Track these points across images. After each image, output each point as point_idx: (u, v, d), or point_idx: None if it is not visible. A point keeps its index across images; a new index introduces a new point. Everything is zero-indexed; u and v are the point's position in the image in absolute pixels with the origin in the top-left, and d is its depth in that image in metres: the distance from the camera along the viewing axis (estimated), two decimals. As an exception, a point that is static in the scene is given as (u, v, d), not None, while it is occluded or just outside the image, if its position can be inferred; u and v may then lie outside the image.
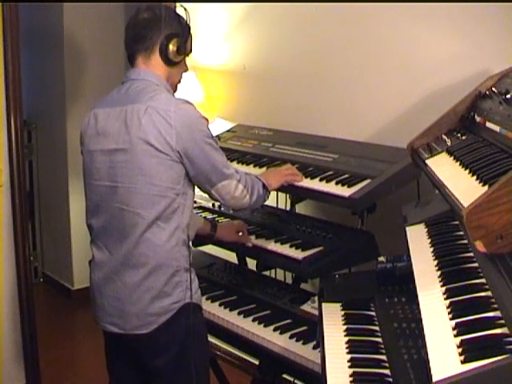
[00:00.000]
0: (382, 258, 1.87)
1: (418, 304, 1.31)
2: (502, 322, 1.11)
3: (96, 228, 1.96)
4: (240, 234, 2.31)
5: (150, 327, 1.86)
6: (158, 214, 1.84)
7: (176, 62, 1.97)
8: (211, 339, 2.29)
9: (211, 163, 1.89)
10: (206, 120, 1.92)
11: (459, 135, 1.79)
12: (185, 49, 1.98)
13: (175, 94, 2.02)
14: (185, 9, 2.04)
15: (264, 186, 2.09)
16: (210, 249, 2.54)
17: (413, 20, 2.39)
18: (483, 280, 1.28)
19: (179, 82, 2.07)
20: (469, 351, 1.06)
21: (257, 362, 2.46)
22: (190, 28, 2.02)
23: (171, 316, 1.87)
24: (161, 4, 2.04)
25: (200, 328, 1.95)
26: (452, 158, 1.63)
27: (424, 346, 1.15)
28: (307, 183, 2.20)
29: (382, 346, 1.57)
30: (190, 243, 2.01)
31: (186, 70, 2.08)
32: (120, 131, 1.87)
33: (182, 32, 1.97)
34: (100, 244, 1.94)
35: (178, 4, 2.07)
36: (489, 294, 1.22)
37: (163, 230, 1.85)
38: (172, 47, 1.94)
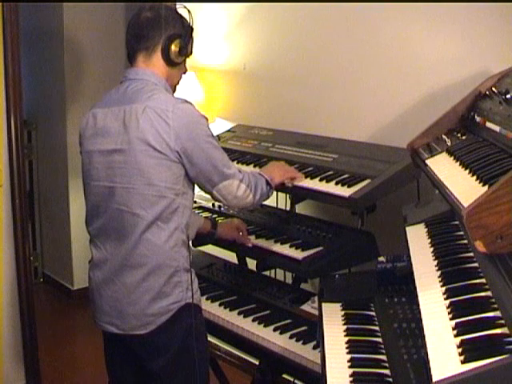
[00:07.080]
0: (381, 258, 1.87)
1: (418, 304, 1.31)
2: (502, 322, 1.11)
3: (95, 229, 1.95)
4: (240, 233, 2.30)
5: (148, 327, 1.86)
6: (157, 215, 1.83)
7: (177, 62, 1.97)
8: (211, 339, 2.29)
9: (211, 163, 1.88)
10: (206, 119, 1.92)
11: (459, 135, 1.78)
12: (186, 50, 1.99)
13: (174, 95, 2.01)
14: (188, 10, 2.03)
15: (267, 182, 2.07)
16: (209, 249, 2.54)
17: (413, 20, 2.39)
18: (483, 280, 1.28)
19: (178, 83, 2.07)
20: (469, 351, 1.06)
21: (257, 362, 2.46)
22: (192, 29, 2.02)
23: (170, 316, 1.87)
24: (163, 4, 2.04)
25: (200, 329, 1.95)
26: (452, 157, 1.63)
27: (424, 345, 1.15)
28: (307, 183, 2.20)
29: (382, 346, 1.57)
30: (190, 243, 2.00)
31: (186, 71, 2.08)
32: (118, 131, 1.86)
33: (185, 33, 1.97)
34: (99, 244, 1.94)
35: (180, 5, 2.06)
36: (489, 294, 1.22)
37: (163, 230, 1.84)
38: (174, 48, 1.94)
